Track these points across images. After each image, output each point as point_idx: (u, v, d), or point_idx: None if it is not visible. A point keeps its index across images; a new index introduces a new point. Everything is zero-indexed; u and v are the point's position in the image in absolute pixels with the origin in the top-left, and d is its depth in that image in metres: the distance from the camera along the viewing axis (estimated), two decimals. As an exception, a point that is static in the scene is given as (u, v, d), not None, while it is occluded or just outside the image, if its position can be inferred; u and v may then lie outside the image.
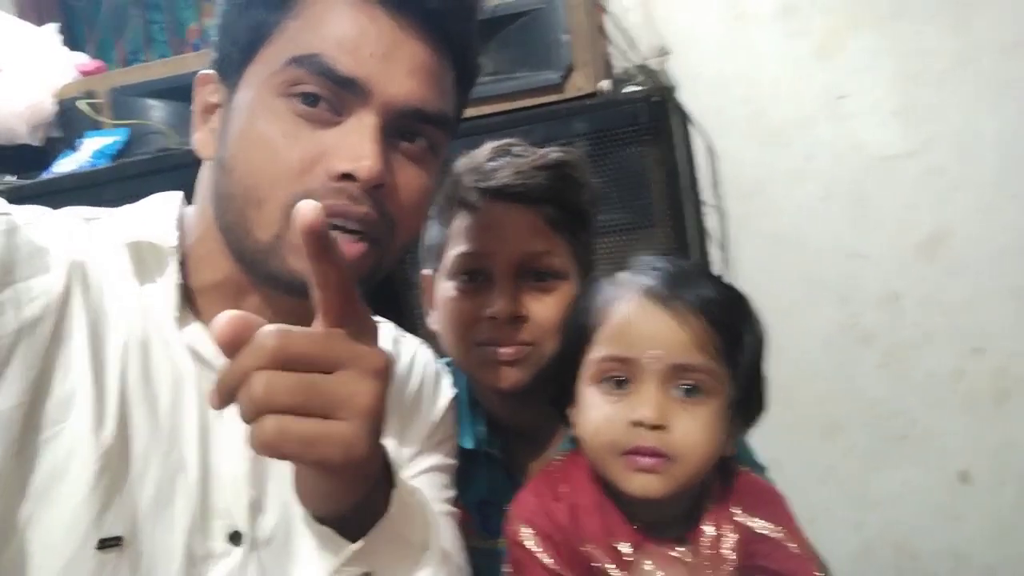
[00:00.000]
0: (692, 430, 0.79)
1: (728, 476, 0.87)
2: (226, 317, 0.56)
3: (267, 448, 0.56)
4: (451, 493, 0.96)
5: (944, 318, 1.94)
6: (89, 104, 1.81)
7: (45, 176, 1.77)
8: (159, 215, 0.82)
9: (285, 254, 0.73)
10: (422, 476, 0.92)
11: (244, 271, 0.78)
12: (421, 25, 0.75)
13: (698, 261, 0.95)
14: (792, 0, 1.94)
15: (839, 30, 1.92)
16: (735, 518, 0.84)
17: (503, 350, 1.00)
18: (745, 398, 0.84)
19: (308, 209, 0.56)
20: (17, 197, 0.83)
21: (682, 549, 0.83)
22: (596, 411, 0.83)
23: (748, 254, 1.97)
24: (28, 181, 1.75)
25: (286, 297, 0.77)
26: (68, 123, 1.88)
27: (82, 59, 2.03)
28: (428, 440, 0.95)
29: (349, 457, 0.58)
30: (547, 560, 0.83)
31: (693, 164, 1.86)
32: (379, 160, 0.72)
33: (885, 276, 1.96)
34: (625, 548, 0.82)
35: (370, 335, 0.62)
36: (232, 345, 0.56)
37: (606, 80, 1.55)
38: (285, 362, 0.56)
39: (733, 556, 0.82)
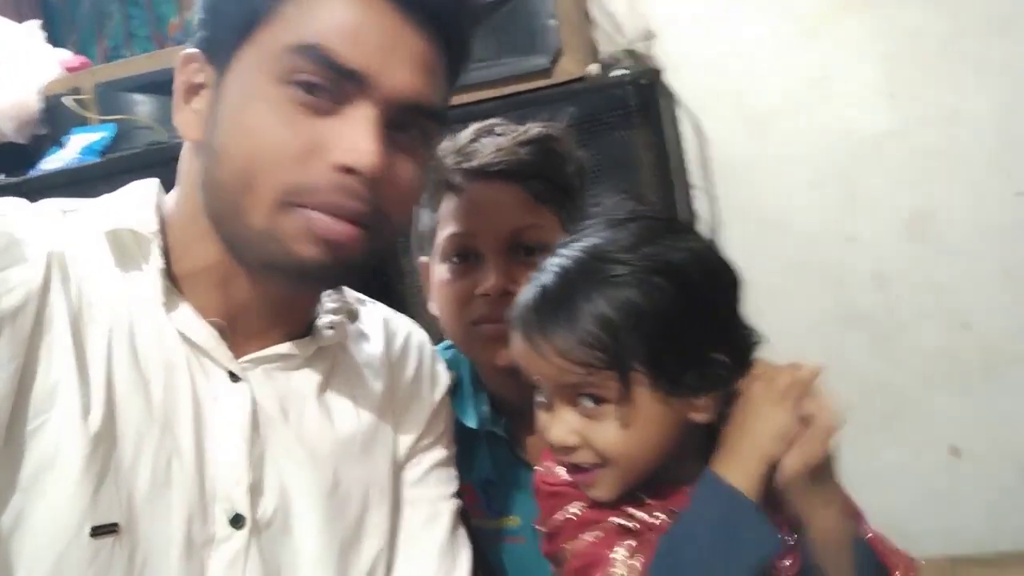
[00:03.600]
0: (611, 436, 0.78)
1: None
2: None
3: None
4: (455, 485, 0.96)
5: (932, 297, 1.96)
6: (75, 100, 1.80)
7: (33, 174, 1.76)
8: (137, 203, 0.80)
9: (286, 241, 0.73)
10: (430, 474, 0.93)
11: (234, 257, 0.77)
12: (422, 17, 0.74)
13: (631, 231, 0.83)
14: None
15: (826, 12, 1.94)
16: None
17: (499, 326, 0.98)
18: (687, 369, 0.78)
19: None
20: (6, 195, 0.82)
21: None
22: (539, 418, 0.84)
23: (737, 237, 1.97)
24: (16, 179, 1.74)
25: (275, 282, 0.78)
26: (54, 120, 1.87)
27: (66, 56, 2.03)
28: (428, 432, 0.95)
29: None
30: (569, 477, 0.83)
31: (681, 147, 1.87)
32: (381, 155, 0.71)
33: (874, 257, 1.98)
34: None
35: None
36: None
37: (594, 64, 1.56)
38: None
39: None
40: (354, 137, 0.71)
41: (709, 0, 1.98)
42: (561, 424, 0.80)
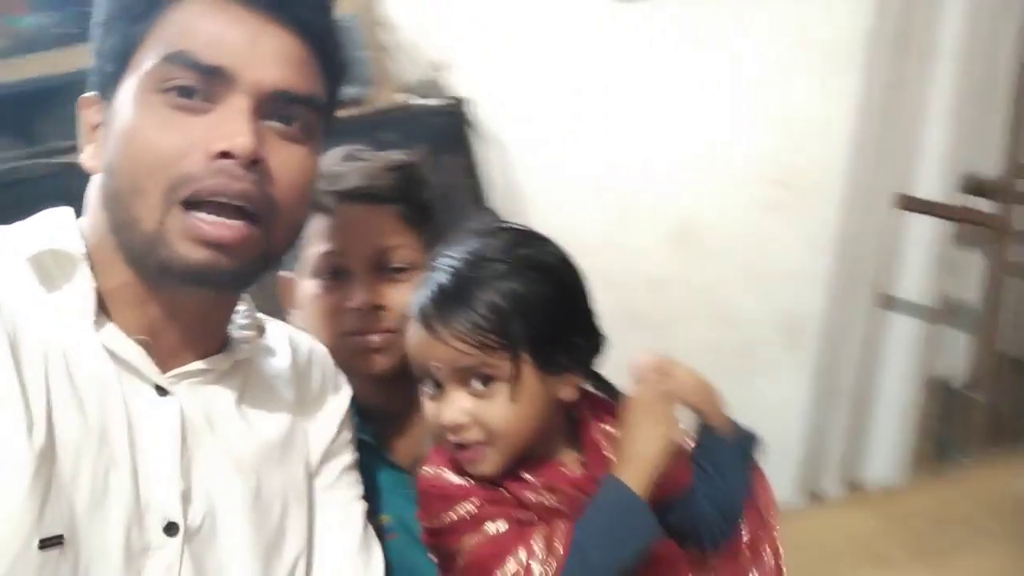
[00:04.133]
0: (500, 412, 0.90)
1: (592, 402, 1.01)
2: None
3: None
4: (362, 488, 1.03)
5: (697, 296, 2.25)
6: None
7: None
8: (57, 226, 0.83)
9: (173, 243, 0.77)
10: (341, 478, 0.99)
11: (138, 273, 0.81)
12: (280, 17, 0.80)
13: (503, 238, 0.97)
14: (556, 18, 2.15)
15: (602, 45, 2.17)
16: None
17: (369, 338, 1.08)
18: (558, 351, 0.92)
19: None
20: None
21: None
22: (426, 407, 0.94)
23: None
24: None
25: (184, 292, 0.81)
26: None
27: None
28: (337, 438, 1.00)
29: None
30: (459, 480, 0.93)
31: (485, 171, 2.00)
32: (252, 136, 0.76)
33: (647, 263, 2.24)
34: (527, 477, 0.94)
35: None
36: None
37: (404, 94, 1.66)
38: None
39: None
40: (227, 125, 0.77)
41: (501, 30, 2.12)
42: (451, 405, 0.90)
